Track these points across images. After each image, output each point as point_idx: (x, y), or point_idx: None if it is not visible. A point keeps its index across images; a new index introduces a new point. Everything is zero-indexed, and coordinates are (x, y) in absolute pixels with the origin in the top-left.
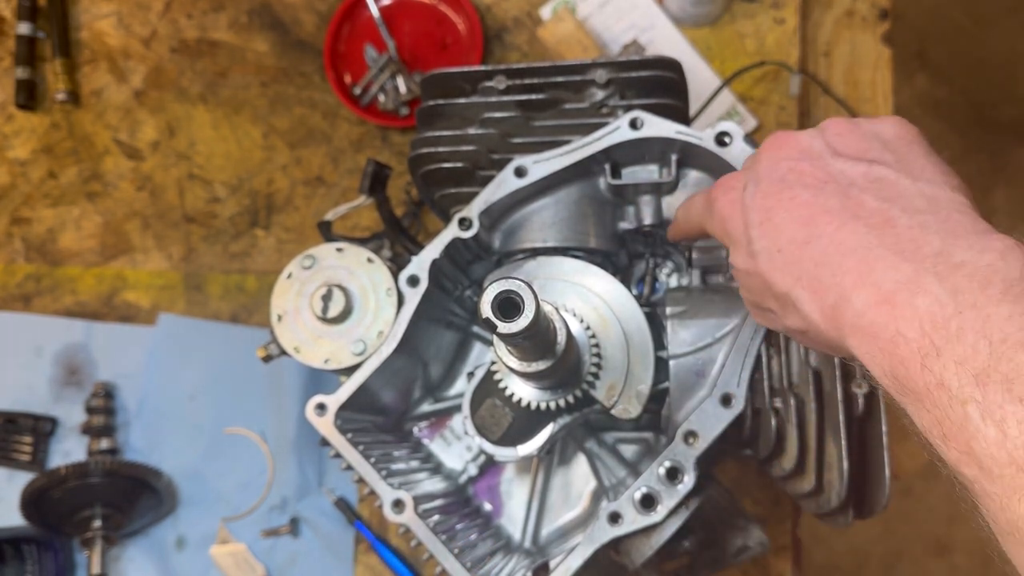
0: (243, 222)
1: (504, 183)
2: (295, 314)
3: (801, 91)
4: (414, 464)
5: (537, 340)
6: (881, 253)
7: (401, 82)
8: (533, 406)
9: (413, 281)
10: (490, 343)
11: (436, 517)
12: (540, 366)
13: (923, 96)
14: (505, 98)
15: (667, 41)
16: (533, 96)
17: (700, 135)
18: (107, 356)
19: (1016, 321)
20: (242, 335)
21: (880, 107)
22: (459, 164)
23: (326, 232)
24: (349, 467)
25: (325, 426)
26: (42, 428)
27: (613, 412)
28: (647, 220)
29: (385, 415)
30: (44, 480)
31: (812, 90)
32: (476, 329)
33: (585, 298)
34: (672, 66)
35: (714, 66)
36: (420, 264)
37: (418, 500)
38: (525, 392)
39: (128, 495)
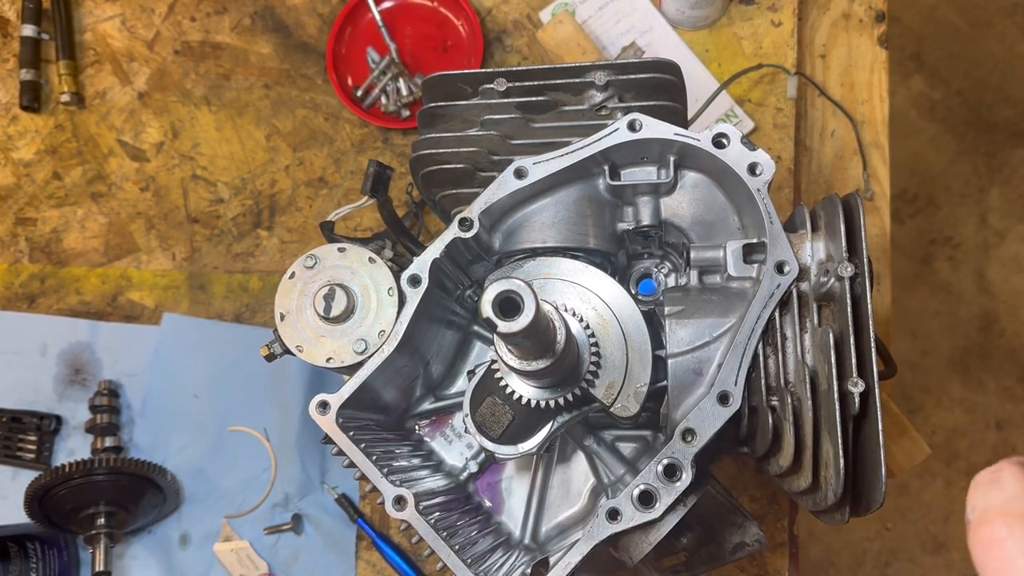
0: (246, 223)
1: (504, 184)
2: (298, 313)
3: (798, 93)
4: (415, 462)
5: (537, 339)
6: None
7: (402, 84)
8: (533, 404)
9: (414, 281)
10: (491, 342)
11: (437, 514)
12: (540, 364)
13: (919, 98)
14: (505, 100)
15: (665, 44)
16: (533, 98)
17: (698, 137)
18: (111, 355)
19: None
20: (245, 334)
21: (876, 108)
22: (460, 165)
23: (328, 232)
24: (351, 465)
25: (327, 424)
26: (47, 426)
27: (612, 410)
28: (645, 220)
29: (387, 413)
30: (49, 478)
31: (809, 92)
32: (477, 328)
33: (584, 298)
34: (670, 68)
35: (712, 68)
36: (421, 264)
37: (419, 497)
38: (525, 390)
39: (132, 493)
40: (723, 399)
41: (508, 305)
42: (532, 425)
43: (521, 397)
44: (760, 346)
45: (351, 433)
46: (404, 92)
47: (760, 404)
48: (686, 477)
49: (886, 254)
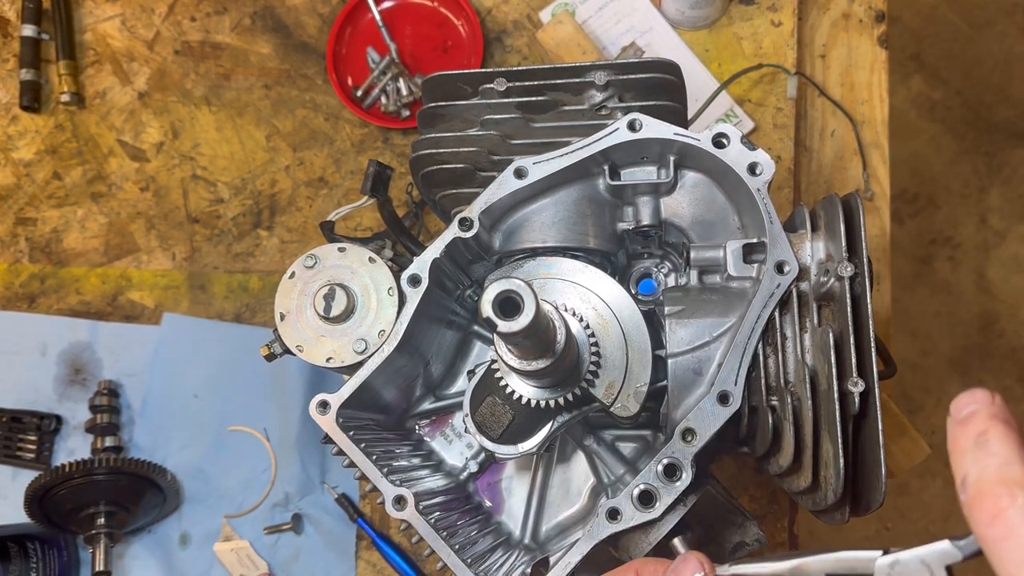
0: (246, 223)
1: (504, 184)
2: (298, 313)
3: (798, 93)
4: (415, 461)
5: (537, 339)
6: None
7: (402, 84)
8: (533, 404)
9: (414, 281)
10: (491, 342)
11: (437, 514)
12: (540, 364)
13: (919, 98)
14: (505, 100)
15: (665, 44)
16: (533, 98)
17: (698, 137)
18: (112, 355)
19: None
20: (245, 334)
21: (876, 108)
22: (460, 165)
23: (328, 232)
24: (351, 464)
25: (327, 424)
26: (47, 426)
27: (612, 410)
28: (645, 220)
29: (387, 413)
30: (49, 478)
31: (809, 92)
32: (477, 328)
33: (584, 298)
34: (670, 68)
35: (712, 68)
36: (421, 264)
37: (419, 497)
38: (525, 390)
39: (132, 493)
40: (723, 399)
41: (508, 305)
42: (532, 425)
43: (521, 397)
44: (760, 346)
45: (351, 433)
46: (404, 92)
47: (760, 404)
48: (686, 477)
49: (886, 254)
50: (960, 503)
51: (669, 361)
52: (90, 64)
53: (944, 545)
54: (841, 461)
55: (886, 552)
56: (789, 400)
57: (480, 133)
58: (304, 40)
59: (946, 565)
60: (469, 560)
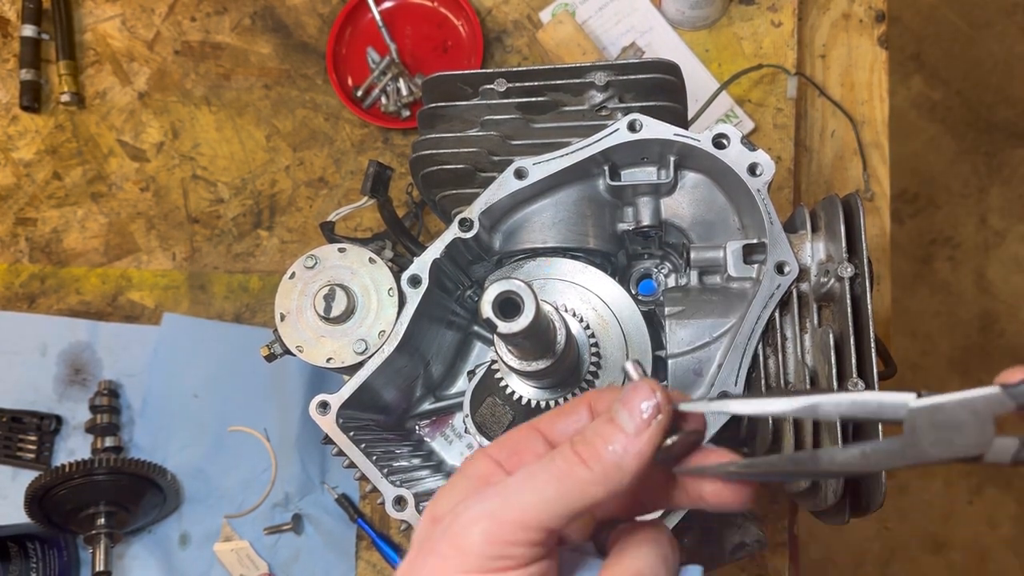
0: (246, 223)
1: (504, 184)
2: (298, 313)
3: (798, 93)
4: (415, 462)
5: (537, 339)
6: None
7: (403, 84)
8: (533, 404)
9: (415, 281)
10: (491, 342)
11: None
12: (540, 365)
13: (919, 98)
14: (505, 101)
15: (665, 44)
16: (533, 99)
17: (698, 137)
18: (112, 355)
19: None
20: (245, 334)
21: (876, 109)
22: (460, 166)
23: (328, 233)
24: (351, 465)
25: (327, 424)
26: (47, 426)
27: None
28: (645, 221)
29: (387, 413)
30: (49, 478)
31: (809, 92)
32: (477, 328)
33: (584, 298)
34: (670, 69)
35: (712, 69)
36: (421, 264)
37: (419, 497)
38: (525, 390)
39: (132, 493)
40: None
41: (508, 305)
42: None
43: (521, 398)
44: (760, 346)
45: (351, 433)
46: (404, 92)
47: None
48: None
49: (886, 254)
50: None
51: (669, 362)
52: (90, 64)
53: (994, 391)
54: None
55: (919, 396)
56: None
57: (480, 134)
58: (304, 40)
59: (995, 415)
60: None
